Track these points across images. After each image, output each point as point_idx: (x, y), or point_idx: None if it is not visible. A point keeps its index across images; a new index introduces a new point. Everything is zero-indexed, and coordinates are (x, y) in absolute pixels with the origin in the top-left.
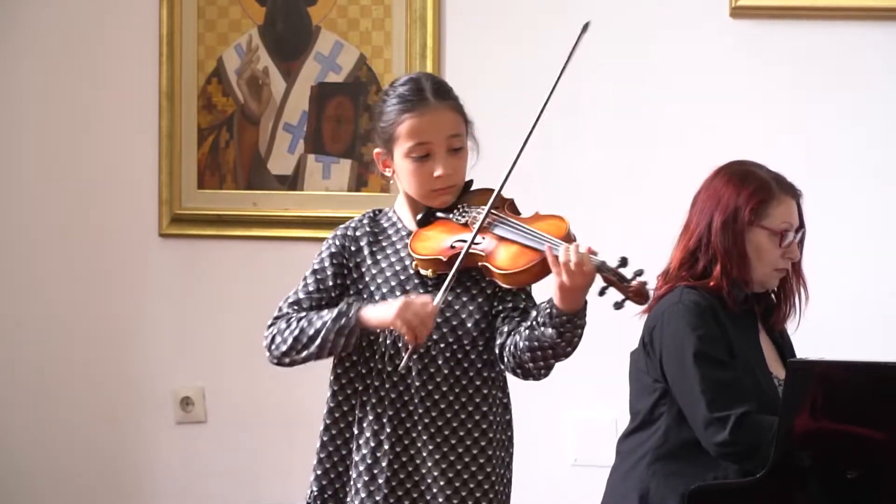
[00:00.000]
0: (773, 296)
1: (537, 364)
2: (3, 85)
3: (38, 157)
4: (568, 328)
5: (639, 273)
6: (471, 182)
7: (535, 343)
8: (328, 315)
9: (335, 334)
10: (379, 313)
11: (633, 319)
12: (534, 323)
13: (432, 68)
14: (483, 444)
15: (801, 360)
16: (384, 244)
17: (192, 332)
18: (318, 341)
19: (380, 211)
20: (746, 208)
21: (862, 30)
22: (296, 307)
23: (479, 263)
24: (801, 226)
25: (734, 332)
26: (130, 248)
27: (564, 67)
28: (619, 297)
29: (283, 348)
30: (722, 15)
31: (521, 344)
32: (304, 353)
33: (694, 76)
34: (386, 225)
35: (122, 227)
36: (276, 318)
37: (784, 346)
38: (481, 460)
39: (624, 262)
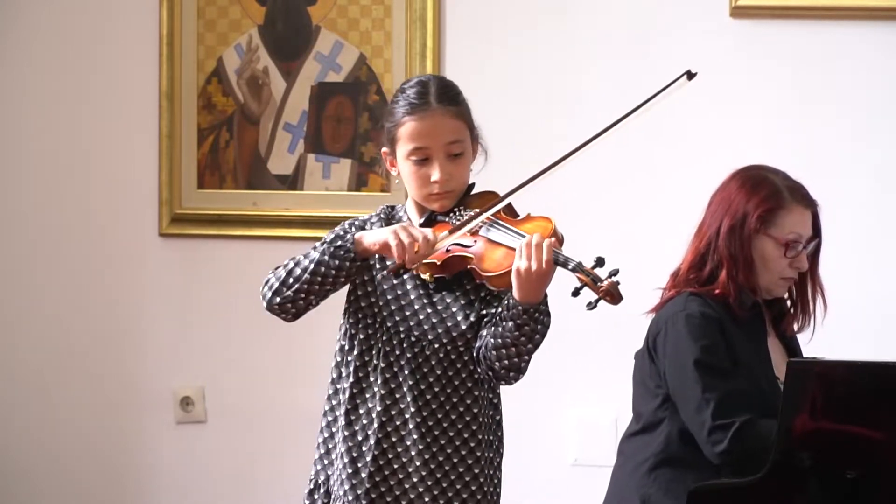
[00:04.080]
0: (787, 300)
1: (503, 363)
2: (2, 85)
3: (38, 158)
4: (525, 320)
5: (613, 273)
6: (472, 185)
7: (499, 340)
8: (324, 242)
9: (330, 256)
10: (375, 232)
11: (633, 319)
12: (497, 318)
13: (432, 68)
14: (472, 444)
15: (801, 360)
16: None
17: (192, 332)
18: (311, 267)
19: (393, 208)
20: (754, 215)
21: (862, 30)
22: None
23: (468, 266)
24: (816, 236)
25: (739, 340)
26: (130, 248)
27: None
28: (593, 296)
29: (276, 285)
30: (722, 15)
31: (489, 342)
32: (296, 286)
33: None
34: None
35: (122, 227)
36: (277, 267)
37: (795, 349)
38: (469, 461)
39: (600, 262)
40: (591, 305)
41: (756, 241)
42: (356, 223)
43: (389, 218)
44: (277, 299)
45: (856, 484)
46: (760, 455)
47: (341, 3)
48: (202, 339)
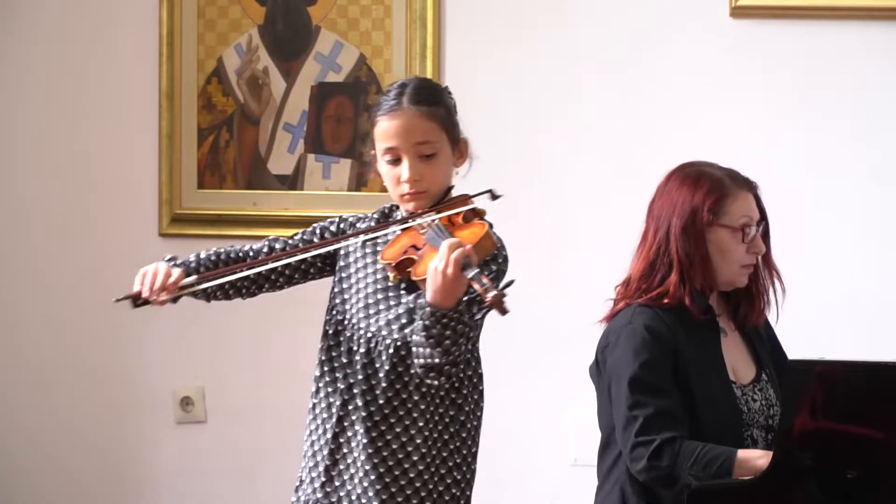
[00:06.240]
0: (745, 291)
1: (418, 361)
2: (2, 85)
3: (38, 157)
4: (432, 322)
5: (507, 285)
6: (451, 188)
7: (413, 337)
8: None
9: None
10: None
11: None
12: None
13: (432, 68)
14: (419, 441)
15: (801, 360)
16: (380, 243)
17: (192, 332)
18: None
19: (396, 207)
20: (704, 208)
21: (862, 30)
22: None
23: (407, 269)
24: (763, 218)
25: (690, 348)
26: (130, 248)
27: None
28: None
29: None
30: (722, 15)
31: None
32: None
33: (694, 76)
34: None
35: (122, 227)
36: None
37: (760, 345)
38: (415, 458)
39: (496, 275)
40: (478, 313)
41: (710, 234)
42: (350, 218)
43: (385, 216)
44: None
45: (856, 484)
46: (676, 475)
47: (341, 3)
48: (202, 339)
